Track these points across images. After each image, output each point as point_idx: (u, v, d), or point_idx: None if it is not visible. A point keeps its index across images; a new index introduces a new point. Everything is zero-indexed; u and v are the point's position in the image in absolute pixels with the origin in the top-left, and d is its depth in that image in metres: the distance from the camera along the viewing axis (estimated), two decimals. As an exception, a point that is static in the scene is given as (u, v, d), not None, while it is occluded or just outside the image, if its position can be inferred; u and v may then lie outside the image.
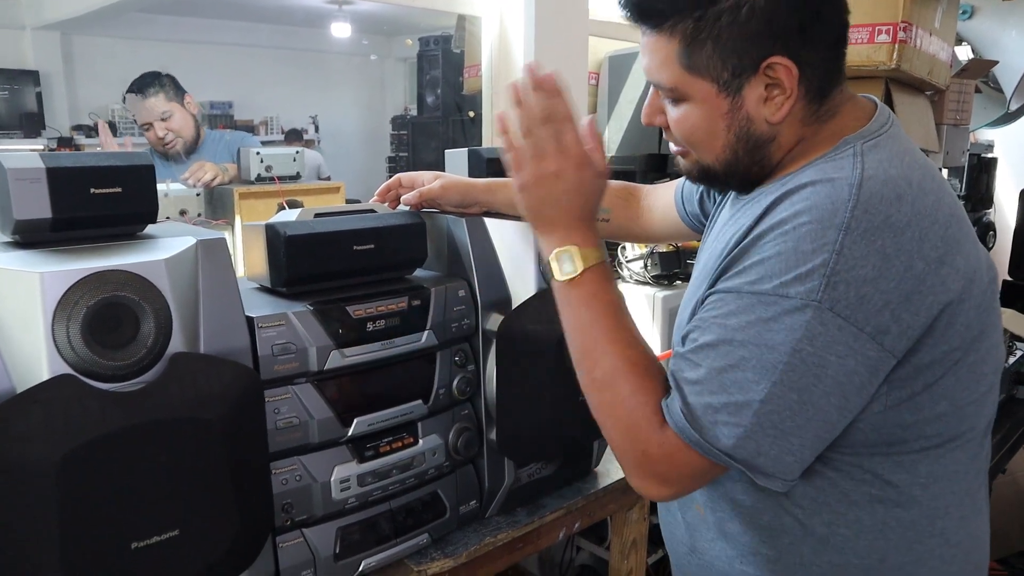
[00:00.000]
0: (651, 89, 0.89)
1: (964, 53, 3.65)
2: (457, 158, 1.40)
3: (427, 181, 1.22)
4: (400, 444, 1.13)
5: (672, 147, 0.92)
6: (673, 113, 0.86)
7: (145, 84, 2.47)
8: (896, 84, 2.14)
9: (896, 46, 1.95)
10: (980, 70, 3.04)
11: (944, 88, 2.46)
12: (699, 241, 2.20)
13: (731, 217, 0.90)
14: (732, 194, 0.96)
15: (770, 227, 0.77)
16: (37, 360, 0.78)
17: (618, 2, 0.85)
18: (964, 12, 3.98)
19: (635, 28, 0.85)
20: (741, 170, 0.86)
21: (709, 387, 0.77)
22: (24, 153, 0.88)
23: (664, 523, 1.06)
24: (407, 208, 1.23)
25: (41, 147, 5.24)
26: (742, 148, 0.84)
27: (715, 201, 1.11)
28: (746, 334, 0.75)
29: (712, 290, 0.81)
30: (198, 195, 2.07)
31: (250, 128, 6.98)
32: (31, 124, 5.61)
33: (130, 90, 2.49)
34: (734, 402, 0.75)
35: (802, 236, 0.74)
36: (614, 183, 1.29)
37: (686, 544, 0.99)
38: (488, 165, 1.36)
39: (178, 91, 2.51)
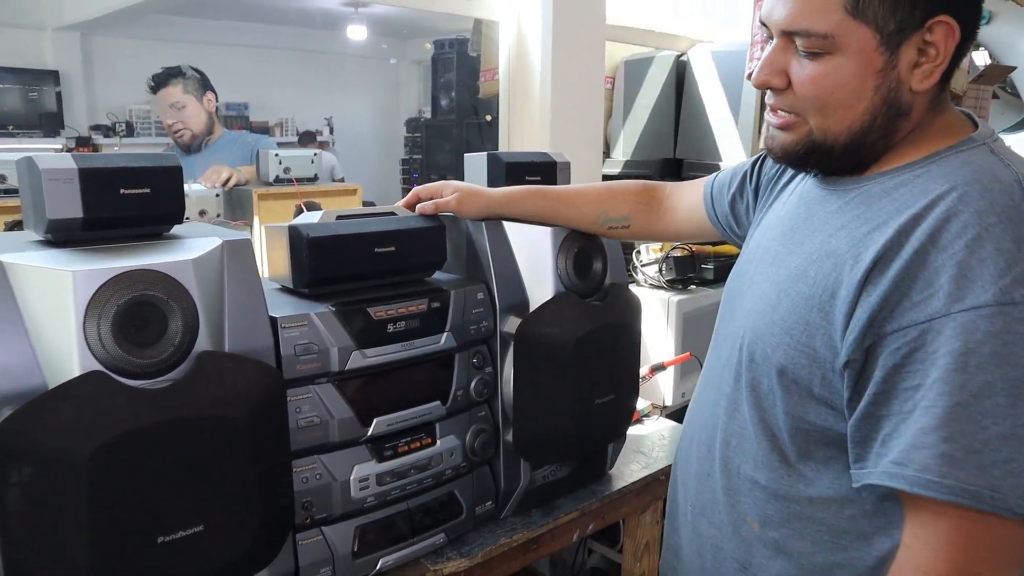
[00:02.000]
0: (773, 44, 0.81)
1: (982, 58, 3.63)
2: (476, 162, 1.41)
3: (446, 194, 1.21)
4: (418, 444, 1.14)
5: (772, 118, 0.84)
6: (809, 69, 0.78)
7: (166, 76, 2.54)
8: (913, 90, 2.13)
9: (914, 52, 1.94)
10: (998, 75, 3.03)
11: (961, 94, 2.46)
12: (713, 245, 2.16)
13: (857, 215, 0.80)
14: (804, 186, 0.90)
15: (945, 235, 0.71)
16: (69, 356, 0.80)
17: None
18: (982, 17, 3.95)
19: None
20: (869, 142, 0.80)
21: (960, 427, 0.68)
22: (56, 154, 0.90)
23: (704, 536, 0.99)
24: None
25: (60, 146, 5.29)
26: (882, 116, 0.78)
27: (748, 206, 1.09)
28: (979, 357, 0.68)
29: (899, 327, 0.72)
30: (217, 196, 2.10)
31: (265, 129, 7.03)
32: (50, 123, 5.67)
33: (152, 81, 2.55)
34: (997, 435, 0.67)
35: (999, 236, 0.69)
36: (634, 183, 1.28)
37: (738, 560, 0.93)
38: (507, 169, 1.37)
39: (201, 86, 2.55)
